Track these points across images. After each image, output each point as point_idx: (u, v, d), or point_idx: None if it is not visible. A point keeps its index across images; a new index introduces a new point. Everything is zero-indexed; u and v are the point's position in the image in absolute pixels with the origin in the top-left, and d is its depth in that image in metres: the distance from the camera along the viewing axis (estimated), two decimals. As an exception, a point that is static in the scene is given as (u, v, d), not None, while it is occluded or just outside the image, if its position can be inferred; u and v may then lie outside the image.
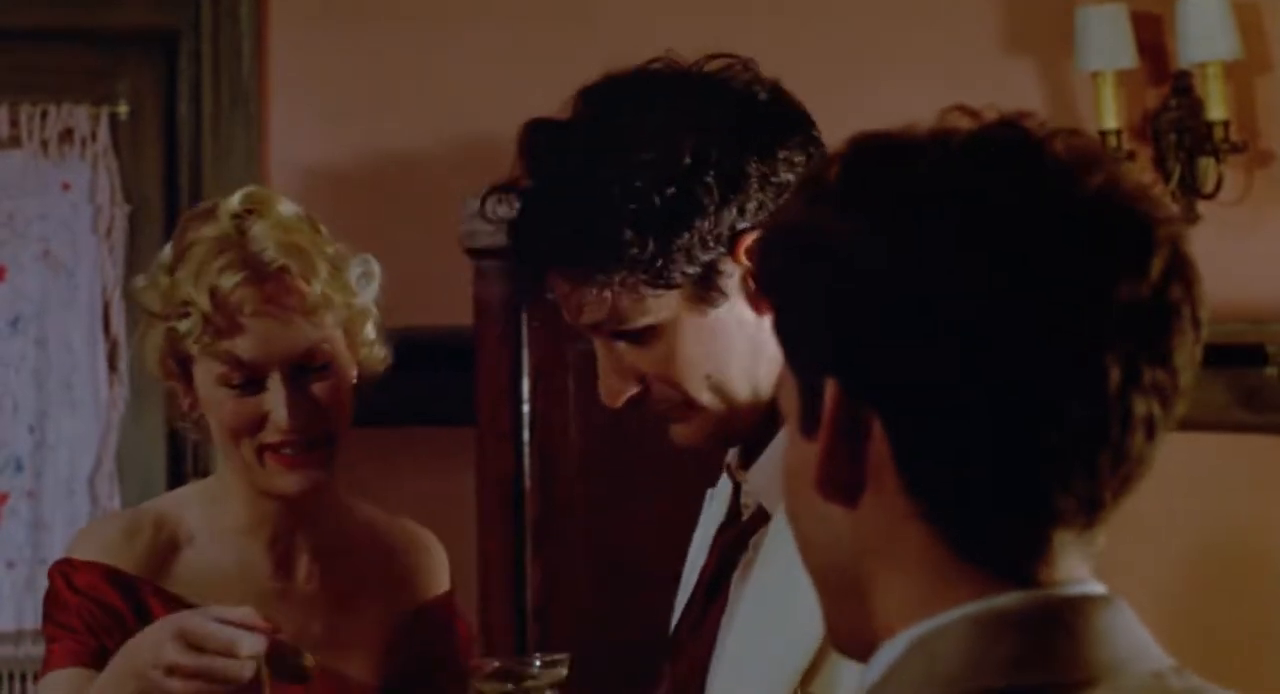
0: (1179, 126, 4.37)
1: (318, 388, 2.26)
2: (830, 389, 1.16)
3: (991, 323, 1.12)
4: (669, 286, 1.81)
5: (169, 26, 4.35)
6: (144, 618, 2.27)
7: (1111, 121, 4.31)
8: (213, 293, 2.21)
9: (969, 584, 1.15)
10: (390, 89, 4.35)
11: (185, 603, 2.28)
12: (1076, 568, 1.17)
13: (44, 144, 4.32)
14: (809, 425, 1.18)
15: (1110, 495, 1.16)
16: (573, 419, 3.79)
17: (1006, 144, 1.16)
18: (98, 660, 2.24)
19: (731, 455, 1.95)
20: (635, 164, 1.80)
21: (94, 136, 4.33)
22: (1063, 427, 1.13)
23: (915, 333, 1.13)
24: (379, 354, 2.34)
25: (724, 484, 1.99)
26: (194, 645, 2.09)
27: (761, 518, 1.89)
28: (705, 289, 1.82)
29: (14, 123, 4.31)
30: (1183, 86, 4.38)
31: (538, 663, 2.17)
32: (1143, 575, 3.98)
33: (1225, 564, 4.26)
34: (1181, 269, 1.16)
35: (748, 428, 1.88)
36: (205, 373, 2.26)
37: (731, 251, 1.82)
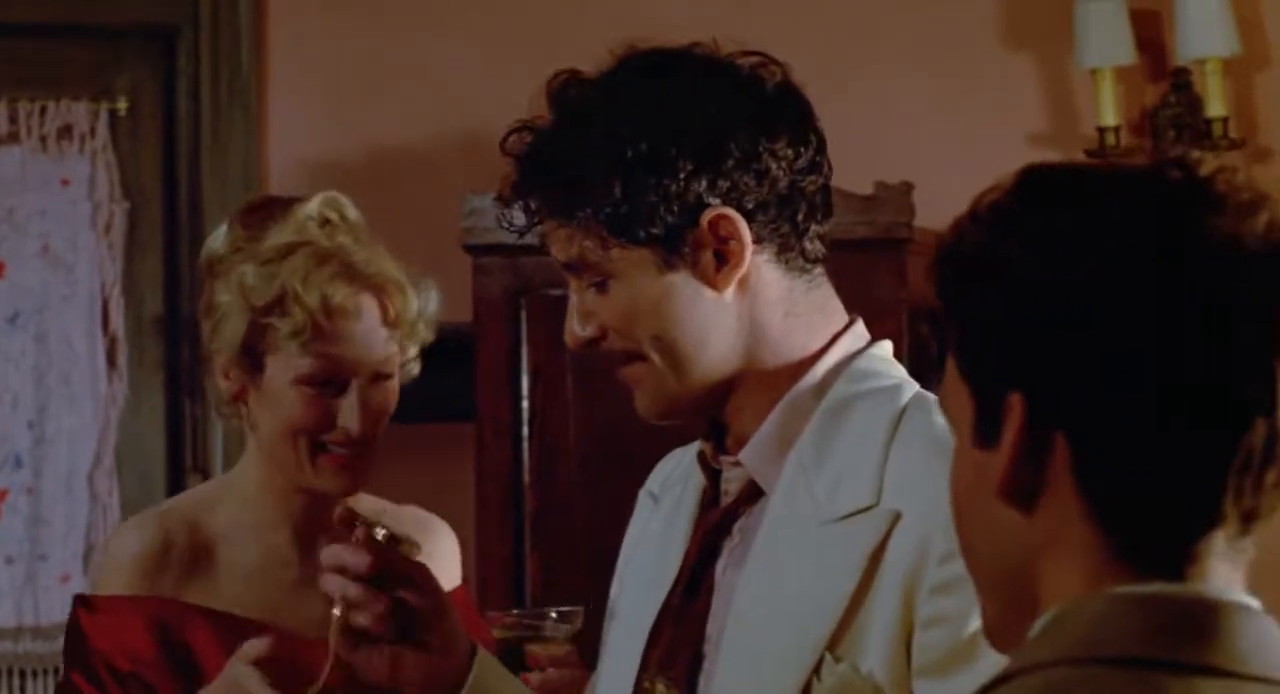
0: (1177, 123, 4.38)
1: (380, 395, 2.36)
2: (1015, 405, 1.22)
3: (1174, 349, 1.19)
4: (629, 241, 1.88)
5: (168, 22, 4.35)
6: (172, 645, 2.32)
7: (1110, 118, 4.31)
8: (324, 300, 2.29)
9: (1116, 579, 1.21)
10: (389, 84, 4.35)
11: (216, 614, 2.34)
12: (1226, 575, 1.23)
13: (43, 140, 4.32)
14: (984, 436, 1.25)
15: (1269, 508, 1.23)
16: (572, 415, 3.79)
17: (1176, 184, 1.22)
18: None
19: (705, 446, 1.99)
20: (624, 119, 1.89)
21: (93, 133, 4.33)
22: (1239, 445, 1.19)
23: (1102, 359, 1.19)
24: (416, 366, 2.44)
25: (692, 476, 2.03)
26: None
27: (745, 500, 1.94)
28: (665, 253, 1.89)
29: (13, 119, 4.31)
30: (1181, 83, 4.39)
31: (554, 615, 2.26)
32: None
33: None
34: None
35: (698, 399, 1.93)
36: (284, 368, 2.33)
37: (696, 223, 1.88)
